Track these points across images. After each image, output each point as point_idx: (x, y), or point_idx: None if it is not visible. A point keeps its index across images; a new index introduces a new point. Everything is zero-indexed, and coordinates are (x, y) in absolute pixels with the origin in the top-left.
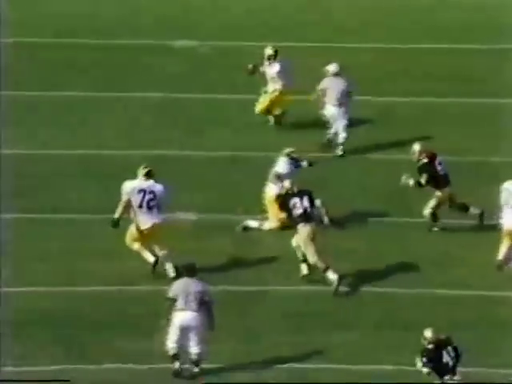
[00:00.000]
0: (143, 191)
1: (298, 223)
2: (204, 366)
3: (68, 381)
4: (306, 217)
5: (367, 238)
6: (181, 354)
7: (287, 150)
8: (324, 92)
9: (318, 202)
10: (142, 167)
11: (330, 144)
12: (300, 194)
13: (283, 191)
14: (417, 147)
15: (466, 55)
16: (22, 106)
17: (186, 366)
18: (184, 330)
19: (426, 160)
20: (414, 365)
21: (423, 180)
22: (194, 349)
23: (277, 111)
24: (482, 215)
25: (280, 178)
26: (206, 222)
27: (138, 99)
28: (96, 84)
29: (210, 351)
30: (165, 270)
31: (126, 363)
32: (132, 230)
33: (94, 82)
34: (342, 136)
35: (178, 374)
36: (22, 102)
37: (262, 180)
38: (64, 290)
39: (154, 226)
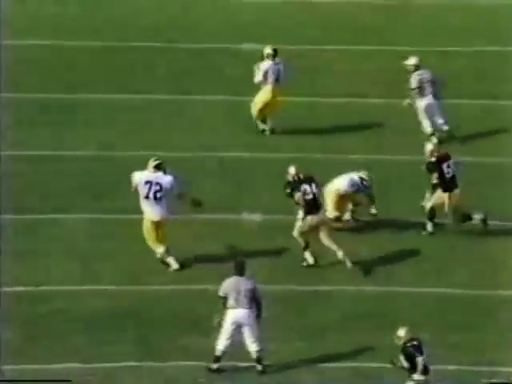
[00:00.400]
0: (150, 183)
1: (307, 209)
2: (266, 363)
3: (69, 381)
4: (316, 203)
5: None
6: (229, 352)
7: (361, 173)
8: (419, 87)
9: (317, 188)
10: (152, 159)
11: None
12: (308, 181)
13: (290, 178)
14: (429, 146)
15: None
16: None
17: (252, 364)
18: (237, 327)
19: (433, 159)
20: (472, 364)
21: (434, 179)
22: (253, 347)
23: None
24: (485, 220)
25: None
26: (271, 223)
27: (205, 101)
28: (163, 86)
29: (273, 350)
30: (167, 263)
31: (191, 360)
32: (145, 224)
33: (160, 84)
34: (440, 122)
35: (213, 371)
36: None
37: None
38: (130, 289)
39: (162, 220)
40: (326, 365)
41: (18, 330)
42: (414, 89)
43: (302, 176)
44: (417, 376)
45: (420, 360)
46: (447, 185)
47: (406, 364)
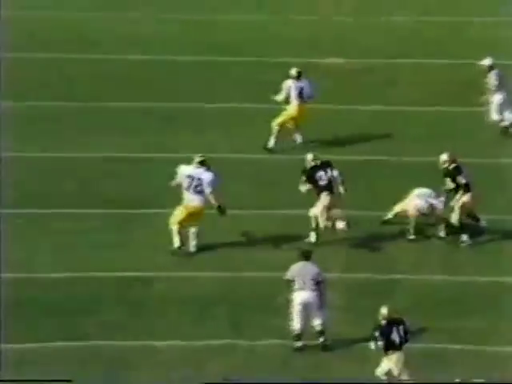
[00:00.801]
0: (191, 177)
1: (321, 192)
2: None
3: (70, 381)
4: (330, 187)
5: None
6: (304, 332)
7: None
8: (493, 86)
9: (335, 173)
10: (197, 156)
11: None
12: (324, 167)
13: (308, 164)
14: (444, 157)
15: None
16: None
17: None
18: (304, 307)
19: (451, 166)
20: None
21: (451, 184)
22: (316, 321)
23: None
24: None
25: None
26: (352, 217)
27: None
28: (247, 97)
29: (348, 331)
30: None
31: (278, 339)
32: (178, 211)
33: (245, 95)
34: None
35: (300, 350)
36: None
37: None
38: (226, 276)
39: (197, 208)
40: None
41: (127, 310)
42: (493, 85)
43: (318, 162)
44: (390, 352)
45: (394, 337)
46: (464, 189)
47: (380, 341)
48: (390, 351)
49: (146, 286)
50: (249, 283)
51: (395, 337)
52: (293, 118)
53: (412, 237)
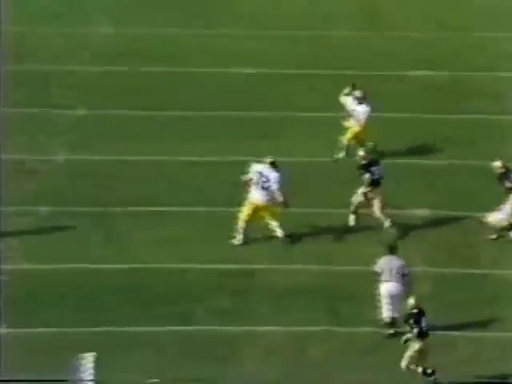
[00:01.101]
0: (260, 174)
1: (371, 185)
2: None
3: (67, 381)
4: (378, 182)
5: None
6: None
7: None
8: None
9: (381, 170)
10: (269, 157)
11: None
12: (376, 163)
13: (360, 160)
14: (497, 163)
15: None
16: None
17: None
18: (390, 297)
19: (502, 170)
20: None
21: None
22: (395, 313)
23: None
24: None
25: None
26: (437, 218)
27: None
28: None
29: (433, 319)
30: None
31: (371, 327)
32: (246, 207)
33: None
34: None
35: (392, 336)
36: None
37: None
38: (321, 268)
39: (263, 204)
40: (481, 334)
41: (230, 299)
42: None
43: (370, 159)
44: (416, 337)
45: (423, 326)
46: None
47: (416, 328)
48: (420, 338)
49: (248, 277)
50: (343, 275)
51: (424, 325)
52: (357, 134)
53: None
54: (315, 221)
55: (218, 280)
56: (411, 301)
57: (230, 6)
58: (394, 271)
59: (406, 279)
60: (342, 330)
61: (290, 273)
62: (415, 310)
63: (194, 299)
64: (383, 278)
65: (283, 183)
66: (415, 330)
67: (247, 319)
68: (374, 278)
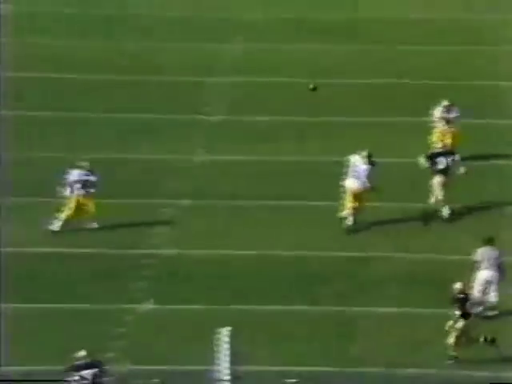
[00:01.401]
0: (354, 165)
1: (436, 174)
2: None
3: (66, 381)
4: (445, 171)
5: None
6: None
7: None
8: None
9: (457, 157)
10: (365, 151)
11: None
12: (445, 153)
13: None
14: None
15: None
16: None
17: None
18: (486, 284)
19: None
20: None
21: None
22: (492, 298)
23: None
24: None
25: None
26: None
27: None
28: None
29: None
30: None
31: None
32: (345, 197)
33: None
34: None
35: (479, 315)
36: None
37: None
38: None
39: (354, 190)
40: None
41: (350, 283)
42: None
43: (441, 150)
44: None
45: (469, 309)
46: None
47: (459, 309)
48: (463, 319)
49: (364, 264)
50: (439, 264)
51: (469, 308)
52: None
53: None
54: (421, 215)
55: (341, 267)
56: (457, 285)
57: None
58: (492, 261)
59: (502, 267)
60: (442, 311)
61: (409, 261)
62: (461, 295)
63: (320, 282)
64: (481, 266)
65: (370, 174)
66: (457, 313)
67: (366, 301)
68: (468, 267)
